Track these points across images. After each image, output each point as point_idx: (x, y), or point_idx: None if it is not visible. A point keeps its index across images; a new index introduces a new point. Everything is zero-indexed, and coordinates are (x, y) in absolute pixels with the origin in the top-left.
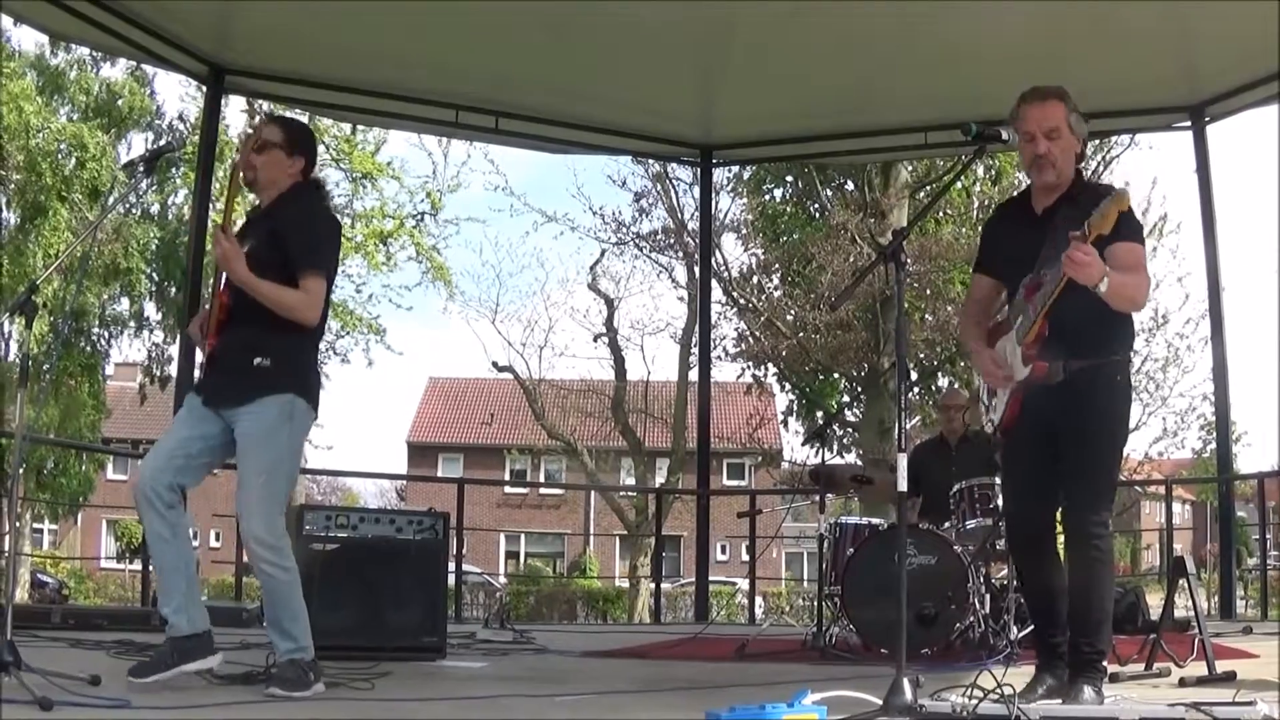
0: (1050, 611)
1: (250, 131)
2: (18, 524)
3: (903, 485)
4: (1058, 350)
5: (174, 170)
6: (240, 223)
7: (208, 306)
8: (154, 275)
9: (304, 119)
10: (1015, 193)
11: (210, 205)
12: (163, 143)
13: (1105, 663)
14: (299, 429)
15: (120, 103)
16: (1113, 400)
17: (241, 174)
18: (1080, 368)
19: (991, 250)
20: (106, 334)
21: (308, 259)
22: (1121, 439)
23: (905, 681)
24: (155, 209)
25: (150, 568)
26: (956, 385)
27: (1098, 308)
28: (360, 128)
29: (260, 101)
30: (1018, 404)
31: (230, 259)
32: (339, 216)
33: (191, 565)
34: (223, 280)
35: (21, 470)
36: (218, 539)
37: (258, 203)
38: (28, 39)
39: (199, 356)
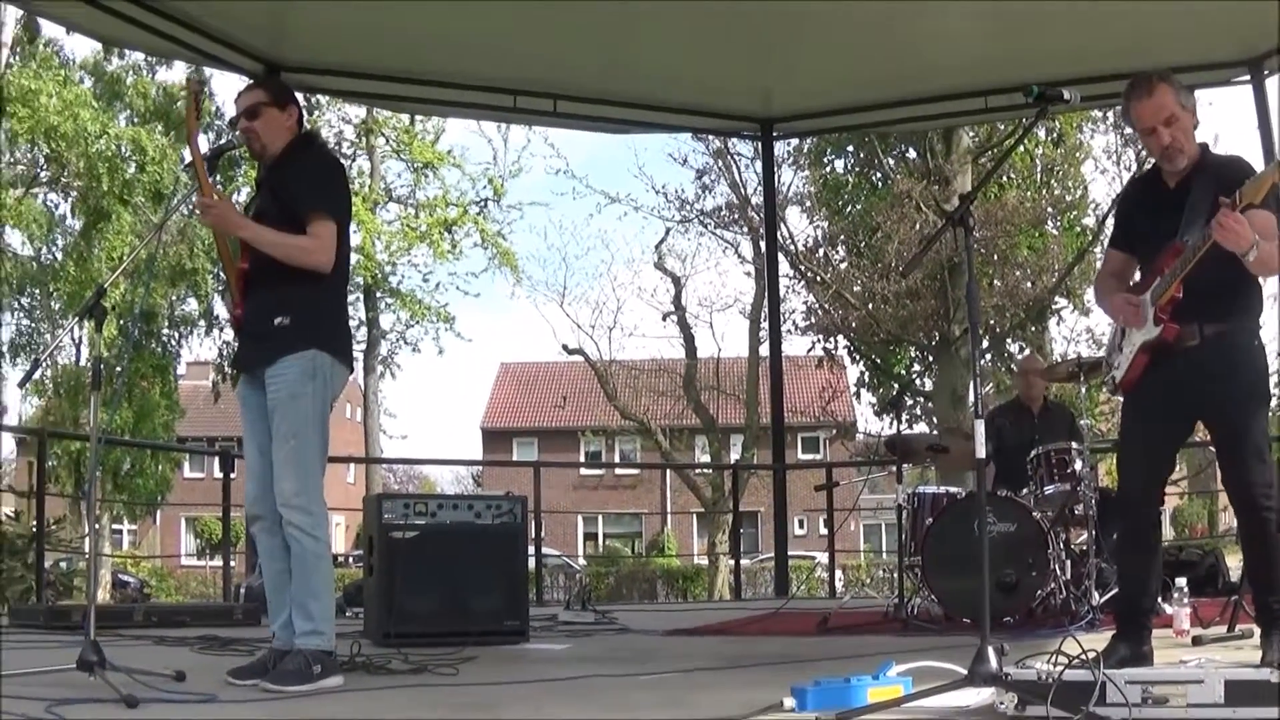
0: (1143, 580)
1: (193, 97)
2: (96, 525)
3: (981, 452)
4: (1191, 314)
5: (236, 168)
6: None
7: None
8: (220, 274)
9: (362, 111)
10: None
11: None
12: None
13: None
14: (324, 386)
15: (178, 105)
16: (1255, 363)
17: (248, 146)
18: (1217, 332)
19: (1126, 225)
20: (176, 334)
21: (310, 202)
22: (1269, 397)
23: (990, 650)
24: None
25: (230, 563)
26: (1028, 351)
27: (1233, 274)
28: (419, 117)
29: (316, 96)
30: (1142, 366)
31: (223, 215)
32: (342, 160)
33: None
34: (238, 248)
35: (99, 473)
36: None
37: (259, 170)
38: (83, 47)
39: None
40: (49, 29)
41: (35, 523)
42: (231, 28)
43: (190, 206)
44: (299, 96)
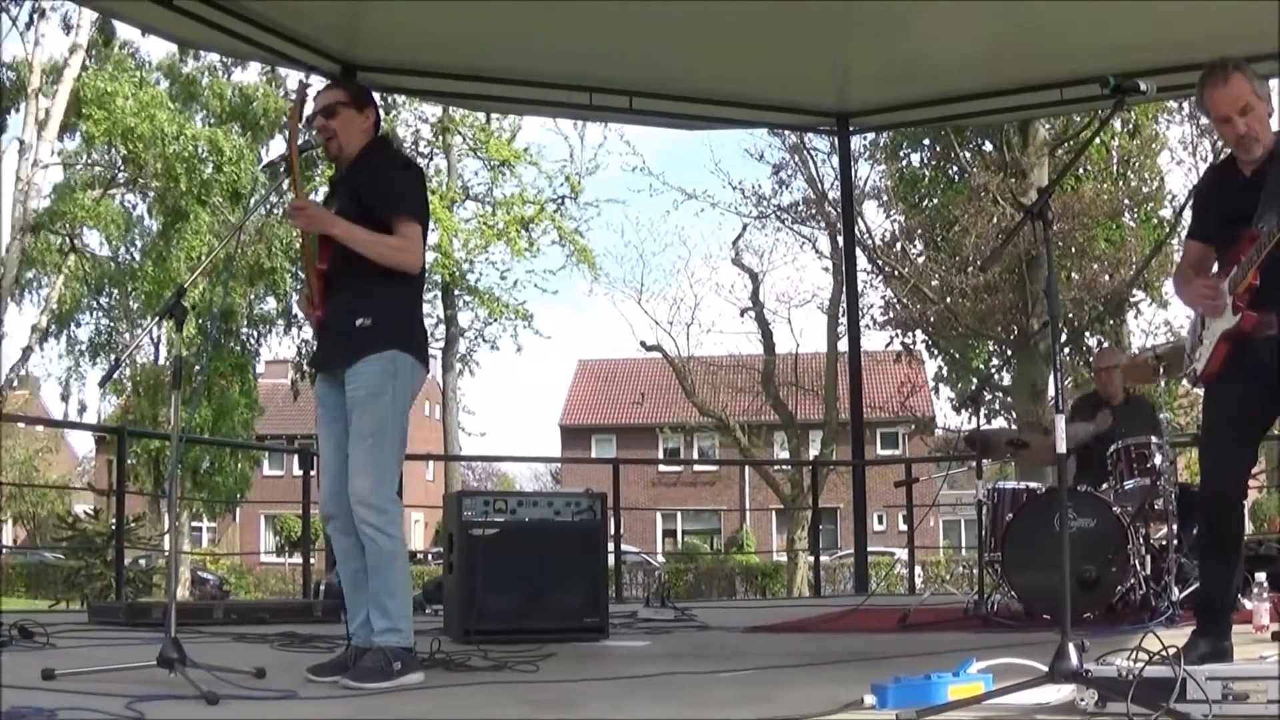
0: (1224, 575)
1: (292, 103)
2: (176, 523)
3: (1061, 447)
4: (1270, 302)
5: (314, 168)
6: (324, 194)
7: (305, 279)
8: (298, 273)
9: (438, 110)
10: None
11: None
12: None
13: None
14: (404, 386)
15: (254, 105)
16: None
17: (324, 146)
18: None
19: (1202, 215)
20: (255, 333)
21: (396, 205)
22: None
23: (1070, 647)
24: None
25: (309, 561)
26: (1106, 344)
27: None
28: (495, 115)
29: (393, 95)
30: (1222, 356)
31: (320, 220)
32: (420, 165)
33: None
34: (316, 250)
35: (179, 470)
36: None
37: (335, 172)
38: (158, 48)
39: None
40: (124, 31)
41: (115, 520)
42: (306, 28)
43: (268, 206)
44: (375, 96)
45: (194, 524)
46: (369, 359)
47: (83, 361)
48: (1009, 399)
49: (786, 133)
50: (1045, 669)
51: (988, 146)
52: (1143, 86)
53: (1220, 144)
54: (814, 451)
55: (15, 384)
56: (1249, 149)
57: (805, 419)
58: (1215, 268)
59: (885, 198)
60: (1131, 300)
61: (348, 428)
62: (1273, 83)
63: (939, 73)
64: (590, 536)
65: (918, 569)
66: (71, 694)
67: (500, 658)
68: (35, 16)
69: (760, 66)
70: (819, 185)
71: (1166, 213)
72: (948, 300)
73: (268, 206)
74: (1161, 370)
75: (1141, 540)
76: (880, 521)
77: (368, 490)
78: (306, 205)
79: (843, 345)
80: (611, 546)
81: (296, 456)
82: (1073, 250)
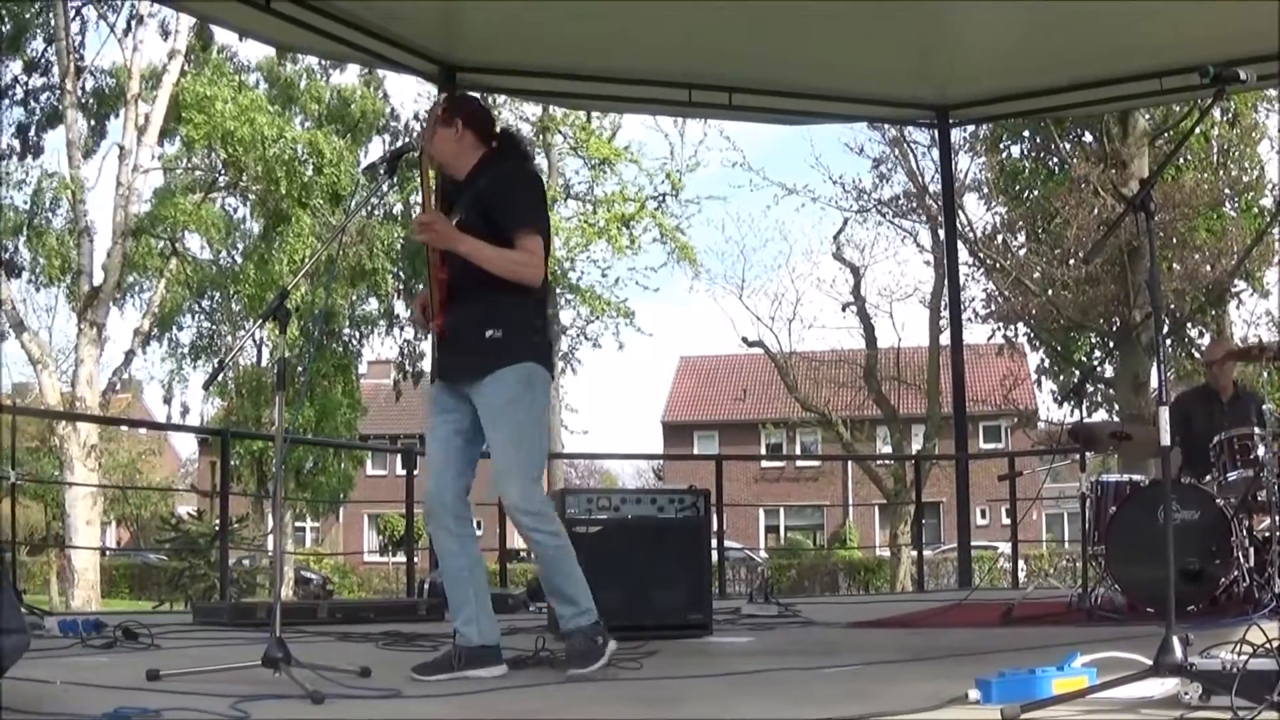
0: None
1: (435, 114)
2: (280, 523)
3: (1165, 439)
4: None
5: (414, 170)
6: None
7: (424, 288)
8: (400, 274)
9: (538, 109)
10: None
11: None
12: (401, 143)
13: None
14: (541, 396)
15: (353, 107)
16: None
17: (430, 162)
18: None
19: None
20: (357, 334)
21: (519, 217)
22: None
23: (1174, 640)
24: (398, 209)
25: (413, 559)
26: (1211, 337)
27: None
28: (595, 114)
29: (493, 95)
30: None
31: (446, 236)
32: (540, 175)
33: (481, 576)
34: (438, 259)
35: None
36: (479, 527)
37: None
38: (256, 52)
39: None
40: (222, 35)
41: (218, 521)
42: (404, 29)
43: (369, 208)
44: (476, 96)
45: (297, 524)
46: (504, 371)
47: (185, 364)
48: (1111, 391)
49: (886, 126)
50: (1149, 662)
51: (1088, 138)
52: (1242, 75)
53: None
54: (916, 446)
55: (118, 387)
56: None
57: (907, 413)
58: None
59: (986, 190)
60: (1233, 290)
61: (460, 431)
62: None
63: (1038, 65)
64: (693, 533)
65: (1021, 563)
66: (176, 694)
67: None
68: (133, 23)
69: (859, 60)
70: (919, 179)
71: (1267, 201)
72: (1049, 293)
73: (369, 208)
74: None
75: (1245, 532)
76: (983, 516)
77: (520, 498)
78: (434, 221)
79: (944, 339)
80: (714, 543)
81: (400, 456)
82: (1174, 241)
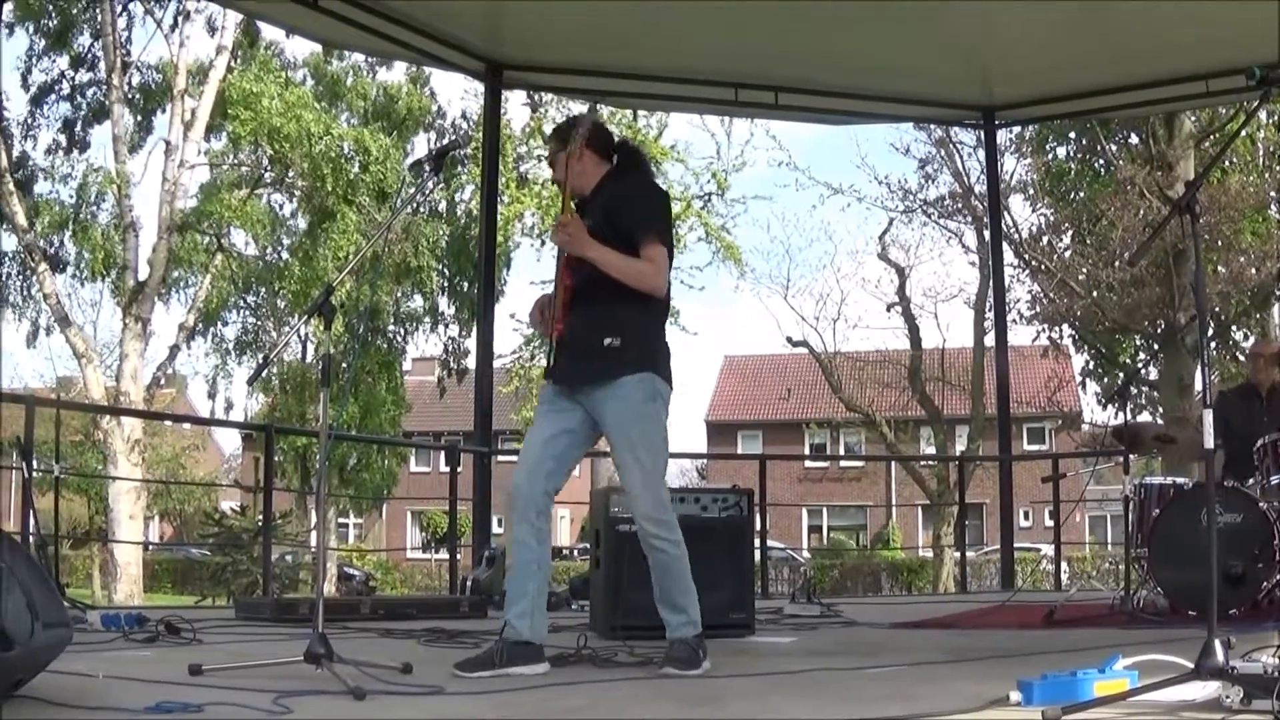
0: None
1: (582, 129)
2: (323, 519)
3: (1209, 441)
4: None
5: (460, 167)
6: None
7: (547, 293)
8: (445, 271)
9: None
10: None
11: (497, 199)
12: (446, 141)
13: None
14: (663, 405)
15: (399, 105)
16: None
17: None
18: None
19: None
20: (402, 331)
21: (645, 227)
22: None
23: (1216, 643)
24: (443, 206)
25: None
26: (1255, 340)
27: None
28: (641, 113)
29: (541, 93)
30: None
31: (579, 241)
32: (664, 188)
33: (545, 575)
34: (562, 262)
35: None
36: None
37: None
38: (303, 48)
39: (532, 346)
40: (268, 32)
41: (261, 517)
42: (452, 27)
43: (414, 205)
44: (522, 94)
45: (341, 520)
46: (626, 380)
47: (229, 360)
48: (1156, 394)
49: (932, 127)
50: (1191, 665)
51: (1134, 139)
52: None
53: None
54: (960, 447)
55: (163, 382)
56: None
57: (951, 414)
58: None
59: (1031, 191)
60: (1278, 293)
61: (568, 431)
62: None
63: (1084, 66)
64: (737, 532)
65: (1064, 565)
66: (218, 689)
67: (646, 654)
68: (180, 19)
69: (905, 61)
70: (965, 179)
71: None
72: (1095, 294)
73: (414, 205)
74: None
75: None
76: (1026, 517)
77: (652, 508)
78: (569, 224)
79: (989, 340)
80: (757, 543)
81: (444, 453)
82: (1219, 243)
